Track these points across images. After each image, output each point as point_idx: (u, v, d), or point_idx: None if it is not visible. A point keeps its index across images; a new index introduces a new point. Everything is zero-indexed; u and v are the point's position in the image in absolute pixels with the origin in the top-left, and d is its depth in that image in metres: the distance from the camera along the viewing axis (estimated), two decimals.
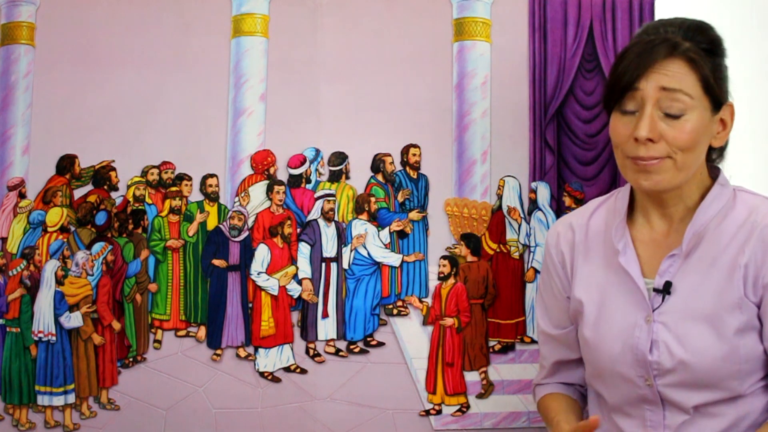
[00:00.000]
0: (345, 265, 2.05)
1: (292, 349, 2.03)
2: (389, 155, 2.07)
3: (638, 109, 1.36)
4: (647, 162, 1.35)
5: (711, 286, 1.37)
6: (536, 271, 2.05)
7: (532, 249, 2.06)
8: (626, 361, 1.41)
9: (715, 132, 1.40)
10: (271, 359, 2.02)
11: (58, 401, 1.99)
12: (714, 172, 1.46)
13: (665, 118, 1.34)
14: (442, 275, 2.05)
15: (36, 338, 1.98)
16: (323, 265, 2.05)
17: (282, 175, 2.06)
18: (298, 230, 2.06)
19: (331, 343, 2.04)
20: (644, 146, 1.34)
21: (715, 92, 1.36)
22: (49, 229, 2.01)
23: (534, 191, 2.07)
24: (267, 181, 2.05)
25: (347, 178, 2.06)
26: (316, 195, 2.06)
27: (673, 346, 1.37)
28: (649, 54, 1.35)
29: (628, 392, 1.42)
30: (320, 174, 2.06)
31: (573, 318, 1.55)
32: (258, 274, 2.04)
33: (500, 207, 2.07)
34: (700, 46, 1.37)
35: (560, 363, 1.61)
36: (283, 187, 2.05)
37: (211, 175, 2.04)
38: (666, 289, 1.39)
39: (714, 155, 1.48)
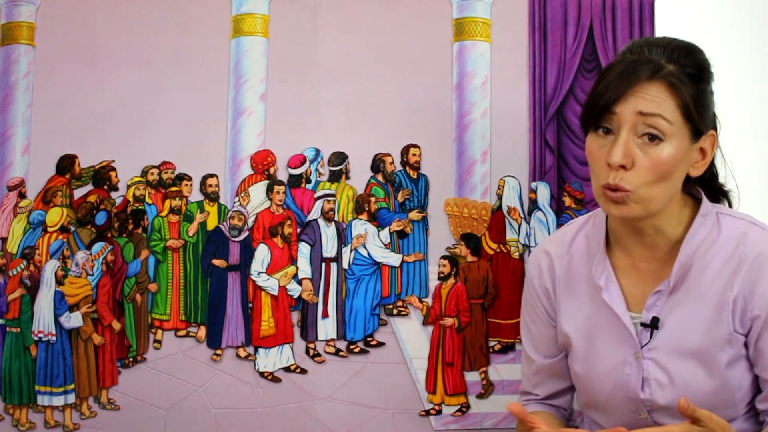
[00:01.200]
0: (345, 265, 2.05)
1: (292, 349, 2.03)
2: (389, 155, 2.07)
3: (614, 131, 1.31)
4: (615, 194, 1.30)
5: (700, 321, 1.34)
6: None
7: (532, 249, 2.06)
8: (619, 397, 1.40)
9: (693, 161, 1.35)
10: (271, 359, 2.02)
11: (58, 401, 1.99)
12: (694, 195, 1.41)
13: (641, 145, 1.29)
14: (442, 275, 2.05)
15: (36, 338, 1.98)
16: (323, 265, 2.05)
17: (282, 175, 2.06)
18: (298, 230, 2.06)
19: (331, 343, 2.04)
20: (615, 172, 1.29)
21: (695, 120, 1.31)
22: (49, 229, 2.01)
23: (534, 191, 2.07)
24: (267, 181, 2.05)
25: (347, 178, 2.06)
26: (316, 195, 2.06)
27: (665, 384, 1.36)
28: (629, 76, 1.30)
29: (623, 421, 1.40)
30: (320, 174, 2.06)
31: (563, 347, 1.53)
32: (258, 274, 2.04)
33: (500, 207, 2.07)
34: (685, 70, 1.32)
35: (550, 395, 1.59)
36: (283, 187, 2.05)
37: (211, 175, 2.04)
38: (654, 325, 1.36)
39: (704, 180, 1.43)
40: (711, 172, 1.47)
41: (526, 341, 1.61)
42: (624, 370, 1.38)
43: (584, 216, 1.56)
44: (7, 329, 1.99)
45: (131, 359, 2.01)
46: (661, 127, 1.28)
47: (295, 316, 2.04)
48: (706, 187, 1.45)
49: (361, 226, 2.06)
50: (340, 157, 2.06)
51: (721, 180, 1.50)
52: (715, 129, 1.39)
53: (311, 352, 2.03)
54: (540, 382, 1.60)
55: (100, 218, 2.02)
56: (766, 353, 1.33)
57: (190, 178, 2.04)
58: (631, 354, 1.38)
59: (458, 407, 2.03)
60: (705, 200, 1.40)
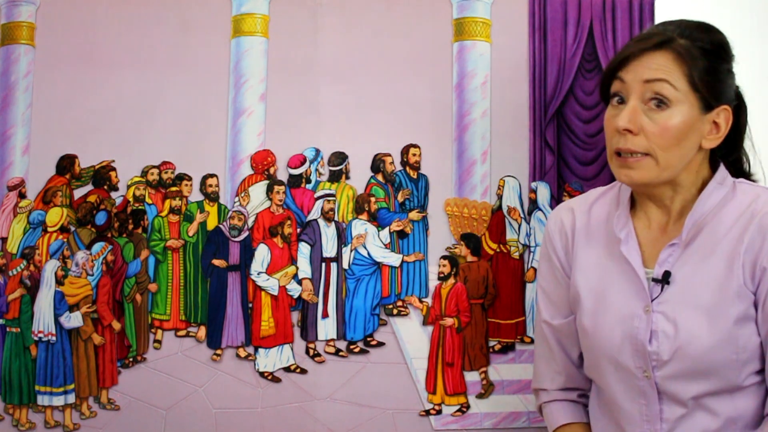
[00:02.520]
0: (345, 265, 2.05)
1: (292, 349, 2.03)
2: (389, 155, 2.07)
3: (626, 99, 1.37)
4: (627, 157, 1.36)
5: (710, 275, 1.37)
6: (536, 271, 2.05)
7: (532, 249, 2.06)
8: (625, 351, 1.41)
9: (705, 133, 1.38)
10: (271, 359, 2.02)
11: (58, 401, 1.99)
12: (715, 168, 1.45)
13: (649, 111, 1.34)
14: (442, 275, 2.05)
15: (36, 338, 1.98)
16: (323, 265, 2.05)
17: (282, 175, 2.06)
18: (298, 230, 2.06)
19: (331, 343, 2.04)
20: (623, 137, 1.35)
21: (703, 90, 1.35)
22: (49, 229, 2.01)
23: (534, 191, 2.07)
24: (267, 181, 2.05)
25: (347, 178, 2.06)
26: (316, 195, 2.06)
27: (672, 336, 1.37)
28: (638, 45, 1.37)
29: (625, 384, 1.42)
30: (320, 174, 2.06)
31: (572, 303, 1.54)
32: (258, 274, 2.04)
33: (500, 207, 2.07)
34: (697, 44, 1.36)
35: (566, 374, 1.59)
36: (283, 187, 2.05)
37: (211, 175, 2.04)
38: (665, 279, 1.39)
39: (725, 152, 1.46)
40: (739, 158, 1.51)
41: (542, 302, 1.61)
42: (633, 323, 1.40)
43: (607, 186, 1.59)
44: (7, 329, 1.99)
45: (131, 359, 2.01)
46: (666, 92, 1.33)
47: (295, 316, 2.04)
48: (736, 173, 1.49)
49: (361, 226, 2.06)
50: (340, 157, 2.06)
51: (752, 170, 1.54)
52: (730, 104, 1.41)
53: (311, 352, 2.03)
54: (552, 360, 1.60)
55: (100, 218, 2.02)
56: None
57: (190, 178, 2.04)
58: (641, 308, 1.40)
59: (458, 407, 2.03)
60: (722, 169, 1.44)
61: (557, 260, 1.57)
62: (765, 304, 1.35)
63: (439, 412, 2.03)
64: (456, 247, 2.06)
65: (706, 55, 1.36)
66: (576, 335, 1.55)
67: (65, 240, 2.01)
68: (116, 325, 2.01)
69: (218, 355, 2.02)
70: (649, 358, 1.38)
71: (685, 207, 1.42)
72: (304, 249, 2.05)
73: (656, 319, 1.38)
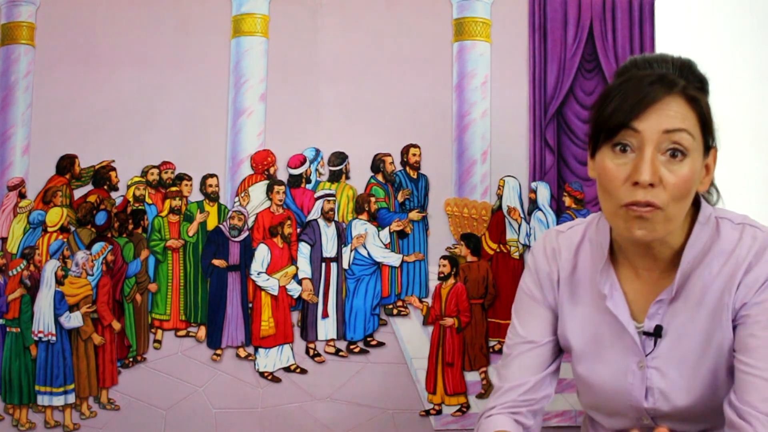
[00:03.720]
0: (345, 265, 2.05)
1: (292, 349, 2.03)
2: (389, 155, 2.07)
3: (635, 149, 1.27)
4: (643, 209, 1.25)
5: (700, 327, 1.33)
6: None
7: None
8: (621, 404, 1.39)
9: (701, 177, 1.32)
10: (271, 359, 2.02)
11: (58, 401, 1.99)
12: (695, 207, 1.38)
13: (666, 160, 1.25)
14: (442, 275, 2.05)
15: (36, 338, 1.98)
16: (323, 265, 2.05)
17: (282, 175, 2.06)
18: (298, 230, 2.06)
19: (331, 343, 2.04)
20: (642, 191, 1.25)
21: (709, 135, 1.29)
22: (49, 229, 2.01)
23: (534, 191, 2.07)
24: (267, 181, 2.05)
25: (347, 178, 2.06)
26: (316, 195, 2.06)
27: (669, 393, 1.34)
28: (647, 92, 1.26)
29: (626, 424, 1.40)
30: (320, 174, 2.06)
31: (565, 349, 1.48)
32: (258, 274, 2.04)
33: (500, 207, 2.07)
34: (695, 85, 1.30)
35: (523, 385, 1.47)
36: (283, 187, 2.05)
37: (211, 175, 2.04)
38: (657, 333, 1.35)
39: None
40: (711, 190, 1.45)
41: (516, 322, 1.51)
42: (627, 379, 1.37)
43: (586, 219, 1.52)
44: (7, 329, 1.99)
45: (131, 359, 2.01)
46: (686, 142, 1.25)
47: (295, 316, 2.04)
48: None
49: (361, 226, 2.06)
50: (340, 157, 2.06)
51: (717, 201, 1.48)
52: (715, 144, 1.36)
53: (311, 352, 2.03)
54: (516, 369, 1.48)
55: (100, 218, 2.02)
56: (742, 337, 1.29)
57: (190, 178, 2.04)
58: (635, 363, 1.37)
59: (458, 407, 2.03)
60: (704, 207, 1.37)
61: (540, 289, 1.49)
62: (737, 331, 1.30)
63: (439, 412, 2.03)
64: (456, 247, 2.06)
65: (703, 95, 1.31)
66: (548, 358, 1.48)
67: (65, 240, 2.01)
68: (116, 325, 2.01)
69: (218, 355, 2.02)
70: (645, 413, 1.37)
71: (673, 256, 1.36)
72: (304, 249, 2.05)
73: (650, 375, 1.35)
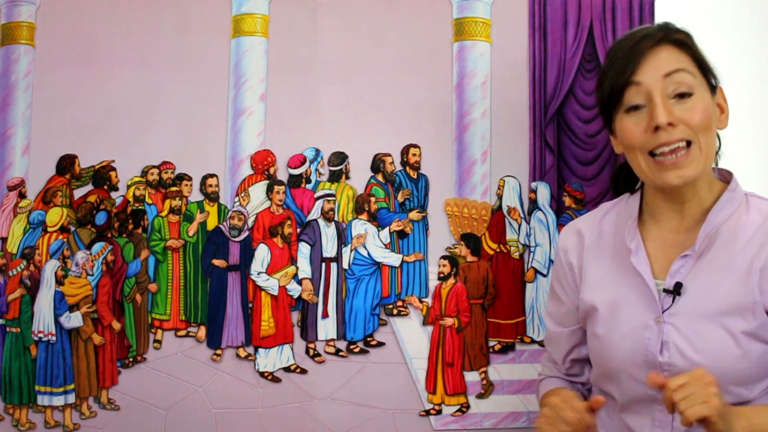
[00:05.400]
0: (345, 265, 2.05)
1: (292, 349, 2.03)
2: (389, 155, 2.07)
3: (645, 103, 1.36)
4: (675, 154, 1.34)
5: (724, 289, 1.36)
6: (536, 271, 2.05)
7: (532, 249, 2.06)
8: (636, 361, 1.40)
9: (717, 115, 1.40)
10: (271, 359, 2.02)
11: (58, 401, 1.99)
12: (724, 176, 1.46)
13: (676, 102, 1.34)
14: (442, 275, 2.05)
15: (36, 338, 1.98)
16: (323, 265, 2.05)
17: (282, 175, 2.06)
18: (298, 230, 2.06)
19: (331, 343, 2.04)
20: (665, 132, 1.33)
21: (710, 70, 1.38)
22: (49, 229, 2.01)
23: (534, 191, 2.07)
24: (267, 181, 2.05)
25: (347, 178, 2.06)
26: (316, 195, 2.06)
27: (684, 348, 1.36)
28: (636, 47, 1.36)
29: (637, 392, 1.42)
30: (320, 174, 2.06)
31: (582, 320, 1.55)
32: (258, 274, 2.04)
33: (500, 207, 2.07)
34: (681, 34, 1.40)
35: (569, 359, 1.61)
36: (283, 187, 2.05)
37: (211, 175, 2.04)
38: (677, 290, 1.38)
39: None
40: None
41: (549, 308, 1.65)
42: (644, 334, 1.40)
43: (615, 200, 1.59)
44: (7, 329, 1.99)
45: (131, 359, 2.01)
46: (687, 80, 1.34)
47: (295, 316, 2.04)
48: None
49: (361, 226, 2.06)
50: (340, 157, 2.06)
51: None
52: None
53: (311, 352, 2.03)
54: (557, 348, 1.63)
55: (100, 218, 2.02)
56: None
57: (190, 178, 2.04)
58: (652, 319, 1.40)
59: (458, 407, 2.03)
60: (735, 178, 1.44)
61: (567, 276, 1.57)
62: None
63: (439, 412, 2.03)
64: (456, 247, 2.06)
65: (692, 41, 1.40)
66: (580, 341, 1.57)
67: (65, 240, 2.01)
68: (116, 325, 2.01)
69: (218, 355, 2.02)
70: (660, 369, 1.38)
71: (701, 214, 1.41)
72: (304, 249, 2.05)
73: (667, 330, 1.38)
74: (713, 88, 1.39)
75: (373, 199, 2.06)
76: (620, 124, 1.40)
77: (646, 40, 1.37)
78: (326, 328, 2.04)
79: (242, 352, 2.02)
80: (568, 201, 2.08)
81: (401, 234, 2.07)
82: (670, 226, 1.44)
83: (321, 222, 2.06)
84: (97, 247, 2.01)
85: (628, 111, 1.38)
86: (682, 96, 1.34)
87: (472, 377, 2.04)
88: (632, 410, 1.44)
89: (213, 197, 2.05)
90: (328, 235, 2.06)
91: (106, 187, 2.03)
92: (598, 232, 1.54)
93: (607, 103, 1.40)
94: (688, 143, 1.35)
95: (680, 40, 1.37)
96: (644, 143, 1.36)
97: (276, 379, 2.02)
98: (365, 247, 2.06)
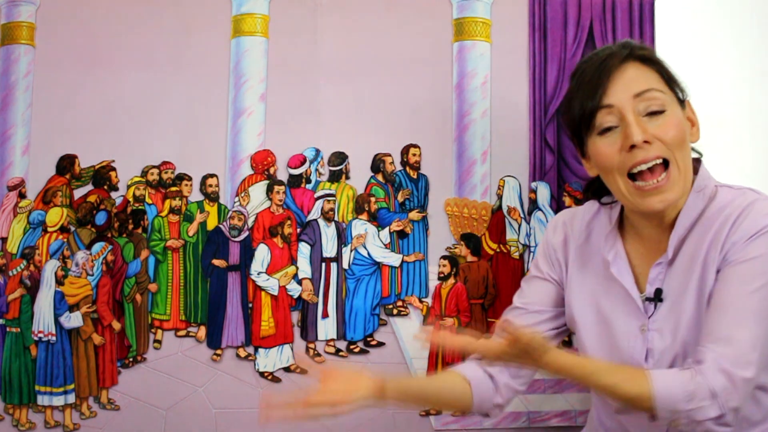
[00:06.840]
0: (345, 265, 2.05)
1: (292, 349, 2.03)
2: (389, 155, 2.07)
3: (618, 123, 1.32)
4: (655, 178, 1.31)
5: (692, 287, 1.35)
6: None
7: (532, 249, 2.06)
8: None
9: (689, 129, 1.38)
10: (271, 359, 2.02)
11: (58, 401, 1.99)
12: (695, 167, 1.42)
13: (649, 120, 1.31)
14: (442, 275, 2.05)
15: (36, 338, 1.98)
16: (323, 265, 2.05)
17: (282, 175, 2.06)
18: (298, 230, 2.06)
19: (331, 343, 2.04)
20: (642, 149, 1.31)
21: (677, 85, 1.36)
22: (49, 229, 2.01)
23: (534, 191, 2.07)
24: (267, 181, 2.05)
25: (347, 178, 2.06)
26: (316, 195, 2.06)
27: (668, 354, 1.36)
28: (603, 68, 1.34)
29: None
30: (320, 174, 2.06)
31: (569, 323, 1.53)
32: (258, 274, 2.04)
33: (500, 207, 2.07)
34: (639, 49, 1.37)
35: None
36: (283, 187, 2.05)
37: (211, 175, 2.04)
38: (657, 297, 1.38)
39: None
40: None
41: (525, 286, 1.58)
42: (629, 343, 1.40)
43: (609, 203, 1.56)
44: (7, 329, 1.99)
45: (131, 359, 2.01)
46: (659, 98, 1.32)
47: (295, 316, 2.04)
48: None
49: (361, 226, 2.06)
50: (340, 157, 2.06)
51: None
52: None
53: (311, 352, 2.03)
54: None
55: (100, 218, 2.02)
56: (717, 291, 1.31)
57: (190, 178, 2.04)
58: (638, 327, 1.40)
59: None
60: (701, 175, 1.41)
61: (547, 262, 1.55)
62: (715, 284, 1.32)
63: (439, 412, 2.03)
64: (456, 247, 2.06)
65: (656, 56, 1.38)
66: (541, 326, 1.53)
67: (65, 240, 2.01)
68: (116, 325, 2.01)
69: (218, 355, 2.02)
70: None
71: (676, 218, 1.39)
72: (304, 249, 2.05)
73: (651, 338, 1.38)
74: (681, 102, 1.37)
75: (373, 199, 2.06)
76: (594, 147, 1.36)
77: (611, 60, 1.34)
78: (326, 328, 2.04)
79: (242, 352, 2.02)
80: (568, 201, 2.08)
81: (401, 234, 2.07)
82: (650, 235, 1.42)
83: (321, 222, 2.06)
84: (97, 247, 2.01)
85: (601, 133, 1.35)
86: (654, 114, 1.32)
87: None
88: (627, 411, 1.44)
89: (213, 197, 2.05)
90: (328, 235, 2.06)
91: (106, 187, 2.03)
92: (585, 235, 1.51)
93: (578, 126, 1.37)
94: (666, 162, 1.32)
95: (645, 56, 1.35)
96: (621, 163, 1.33)
97: (276, 379, 2.02)
98: (365, 247, 2.06)
